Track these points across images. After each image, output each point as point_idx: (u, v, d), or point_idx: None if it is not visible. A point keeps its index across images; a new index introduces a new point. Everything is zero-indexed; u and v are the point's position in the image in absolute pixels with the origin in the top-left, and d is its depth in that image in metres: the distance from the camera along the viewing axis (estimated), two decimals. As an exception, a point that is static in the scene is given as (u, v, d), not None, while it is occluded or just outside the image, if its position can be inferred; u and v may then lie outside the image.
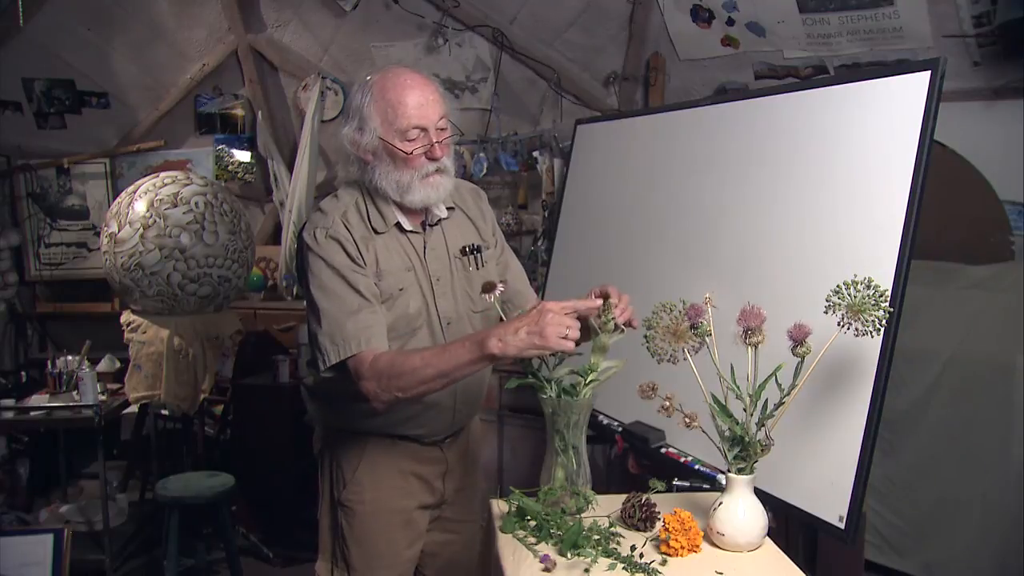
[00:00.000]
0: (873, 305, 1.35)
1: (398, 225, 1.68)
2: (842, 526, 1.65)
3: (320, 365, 1.59)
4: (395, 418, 1.69)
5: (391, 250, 1.67)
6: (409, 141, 1.60)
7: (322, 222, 1.64)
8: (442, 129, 1.63)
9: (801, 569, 1.40)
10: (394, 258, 1.66)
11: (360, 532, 1.76)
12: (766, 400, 1.42)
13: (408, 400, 1.56)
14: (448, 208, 1.75)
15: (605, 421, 2.44)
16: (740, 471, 1.44)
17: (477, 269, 1.77)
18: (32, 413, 3.14)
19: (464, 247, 1.76)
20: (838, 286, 1.38)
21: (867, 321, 1.35)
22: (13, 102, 4.25)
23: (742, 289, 1.95)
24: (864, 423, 1.65)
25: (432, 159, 1.61)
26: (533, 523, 1.52)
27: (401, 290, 1.65)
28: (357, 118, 1.63)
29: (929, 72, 1.66)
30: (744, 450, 1.43)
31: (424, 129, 1.60)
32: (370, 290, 1.60)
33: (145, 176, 3.37)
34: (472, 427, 1.93)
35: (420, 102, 1.59)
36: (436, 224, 1.74)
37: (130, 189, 3.24)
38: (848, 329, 1.37)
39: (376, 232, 1.66)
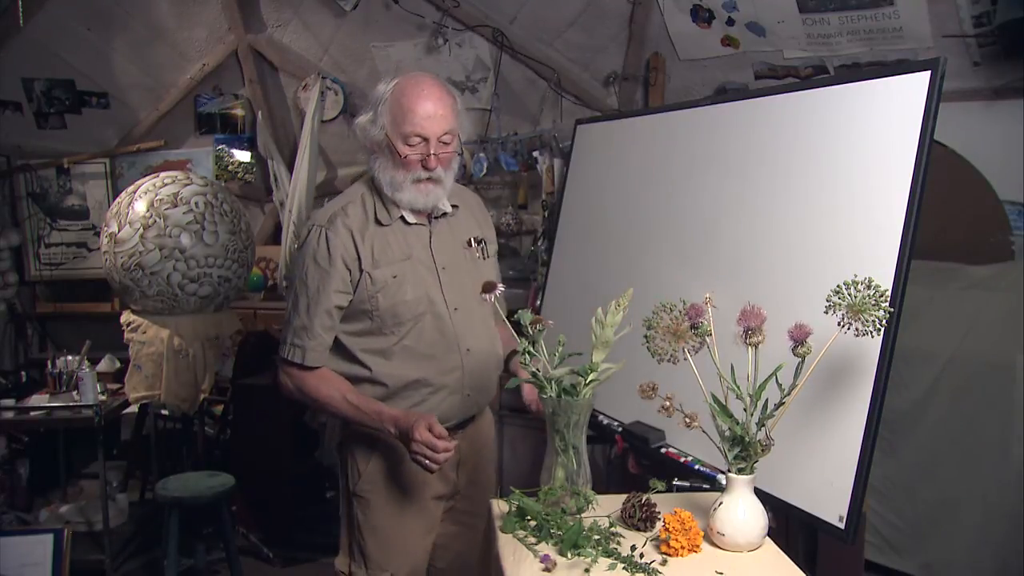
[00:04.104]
0: (873, 305, 1.35)
1: (402, 218, 1.78)
2: (842, 526, 1.65)
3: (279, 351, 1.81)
4: (404, 405, 1.76)
5: (390, 241, 1.76)
6: (408, 146, 1.70)
7: (319, 218, 1.77)
8: (445, 143, 1.72)
9: (801, 569, 1.40)
10: (392, 248, 1.76)
11: (375, 522, 1.81)
12: (766, 400, 1.42)
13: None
14: (453, 205, 1.85)
15: (605, 421, 2.44)
16: (740, 471, 1.44)
17: (484, 259, 1.89)
18: (32, 413, 3.14)
19: (471, 239, 1.88)
20: (838, 286, 1.38)
21: (867, 321, 1.35)
22: (13, 102, 4.24)
23: (742, 289, 1.95)
24: (864, 423, 1.65)
25: (425, 168, 1.71)
26: (533, 523, 1.52)
27: (395, 277, 1.74)
28: (373, 111, 1.74)
29: (929, 72, 1.66)
30: (744, 450, 1.43)
31: (425, 139, 1.69)
32: (328, 303, 1.73)
33: (145, 176, 3.38)
34: (485, 420, 1.97)
35: (429, 114, 1.69)
36: (441, 217, 1.83)
37: (130, 189, 3.25)
38: (848, 329, 1.37)
39: (380, 224, 1.76)
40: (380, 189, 1.76)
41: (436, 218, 1.82)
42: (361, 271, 1.73)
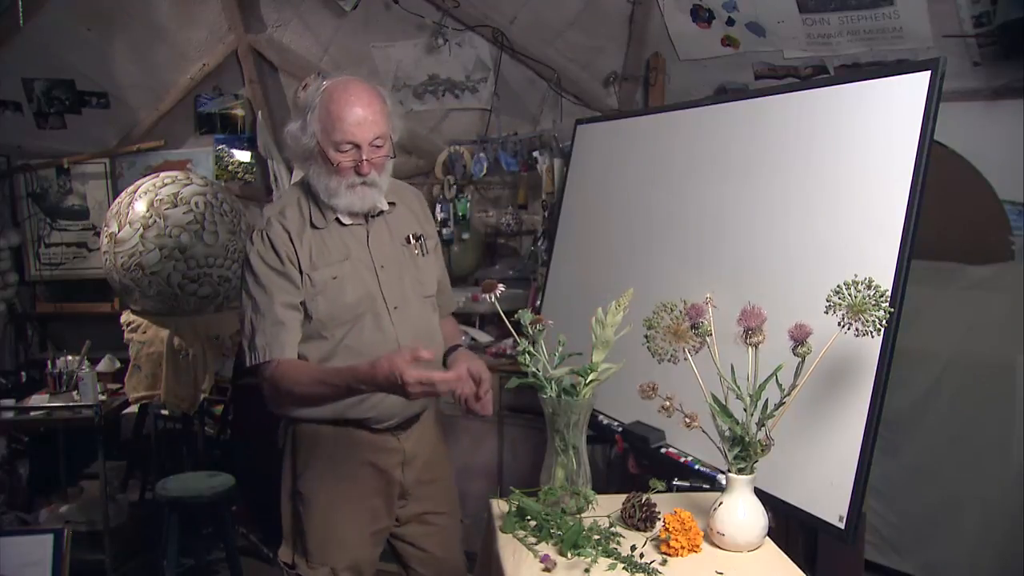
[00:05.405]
0: (874, 305, 1.35)
1: (337, 219, 1.78)
2: (842, 526, 1.65)
3: (245, 360, 1.77)
4: (344, 403, 1.75)
5: (327, 242, 1.77)
6: (340, 153, 1.70)
7: (260, 222, 1.79)
8: (377, 147, 1.72)
9: (801, 569, 1.40)
10: (330, 249, 1.77)
11: (316, 519, 1.83)
12: (766, 400, 1.42)
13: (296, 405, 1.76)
14: (390, 203, 1.85)
15: (605, 421, 2.44)
16: (740, 471, 1.44)
17: (423, 256, 1.89)
18: (32, 413, 3.14)
19: (408, 236, 1.88)
20: (838, 286, 1.38)
21: (867, 321, 1.35)
22: (13, 102, 4.24)
23: (742, 289, 1.95)
24: (864, 423, 1.65)
25: (359, 174, 1.71)
26: (533, 523, 1.52)
27: (334, 278, 1.75)
28: (302, 119, 1.74)
29: (929, 72, 1.67)
30: (744, 450, 1.43)
31: (357, 145, 1.69)
32: (286, 299, 1.73)
33: (145, 176, 3.37)
34: (430, 418, 1.97)
35: (358, 120, 1.68)
36: (379, 215, 1.83)
37: (130, 189, 3.24)
38: (848, 329, 1.37)
39: (315, 227, 1.77)
40: (316, 194, 1.77)
41: (373, 217, 1.82)
42: (301, 272, 1.74)
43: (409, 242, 1.88)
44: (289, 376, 1.70)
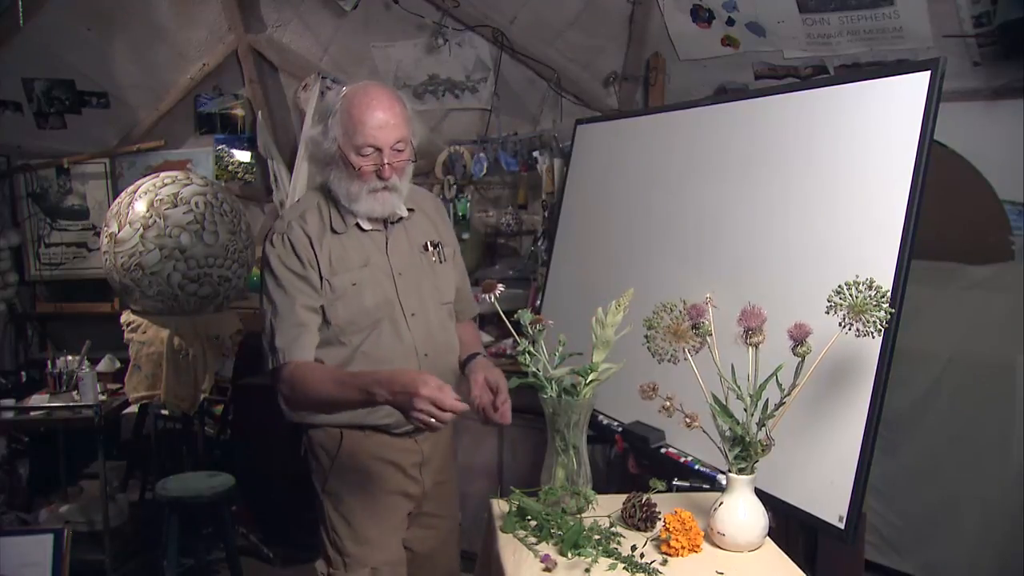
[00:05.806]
0: (875, 306, 1.35)
1: (357, 225, 1.78)
2: (842, 526, 1.65)
3: (267, 363, 1.75)
4: (361, 411, 1.74)
5: (347, 247, 1.77)
6: (362, 157, 1.70)
7: (279, 226, 1.78)
8: (399, 151, 1.72)
9: (801, 569, 1.40)
10: (350, 255, 1.77)
11: (348, 517, 1.81)
12: (767, 400, 1.42)
13: (311, 410, 1.75)
14: (409, 209, 1.85)
15: (605, 421, 2.44)
16: (741, 471, 1.44)
17: (441, 263, 1.89)
18: (32, 413, 3.14)
19: (426, 243, 1.88)
20: (839, 287, 1.38)
21: (868, 322, 1.35)
22: (13, 102, 4.24)
23: (742, 289, 1.95)
24: (864, 423, 1.65)
25: (380, 178, 1.71)
26: (534, 523, 1.52)
27: (354, 285, 1.75)
28: (324, 124, 1.74)
29: (929, 72, 1.67)
30: (745, 450, 1.43)
31: (378, 149, 1.69)
32: (307, 302, 1.72)
33: (145, 176, 3.37)
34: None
35: (380, 124, 1.68)
36: (397, 222, 1.83)
37: (130, 189, 3.24)
38: (849, 330, 1.37)
39: (335, 232, 1.76)
40: (336, 199, 1.77)
41: (392, 223, 1.82)
42: (321, 277, 1.74)
43: (427, 249, 1.87)
44: (306, 377, 1.68)
